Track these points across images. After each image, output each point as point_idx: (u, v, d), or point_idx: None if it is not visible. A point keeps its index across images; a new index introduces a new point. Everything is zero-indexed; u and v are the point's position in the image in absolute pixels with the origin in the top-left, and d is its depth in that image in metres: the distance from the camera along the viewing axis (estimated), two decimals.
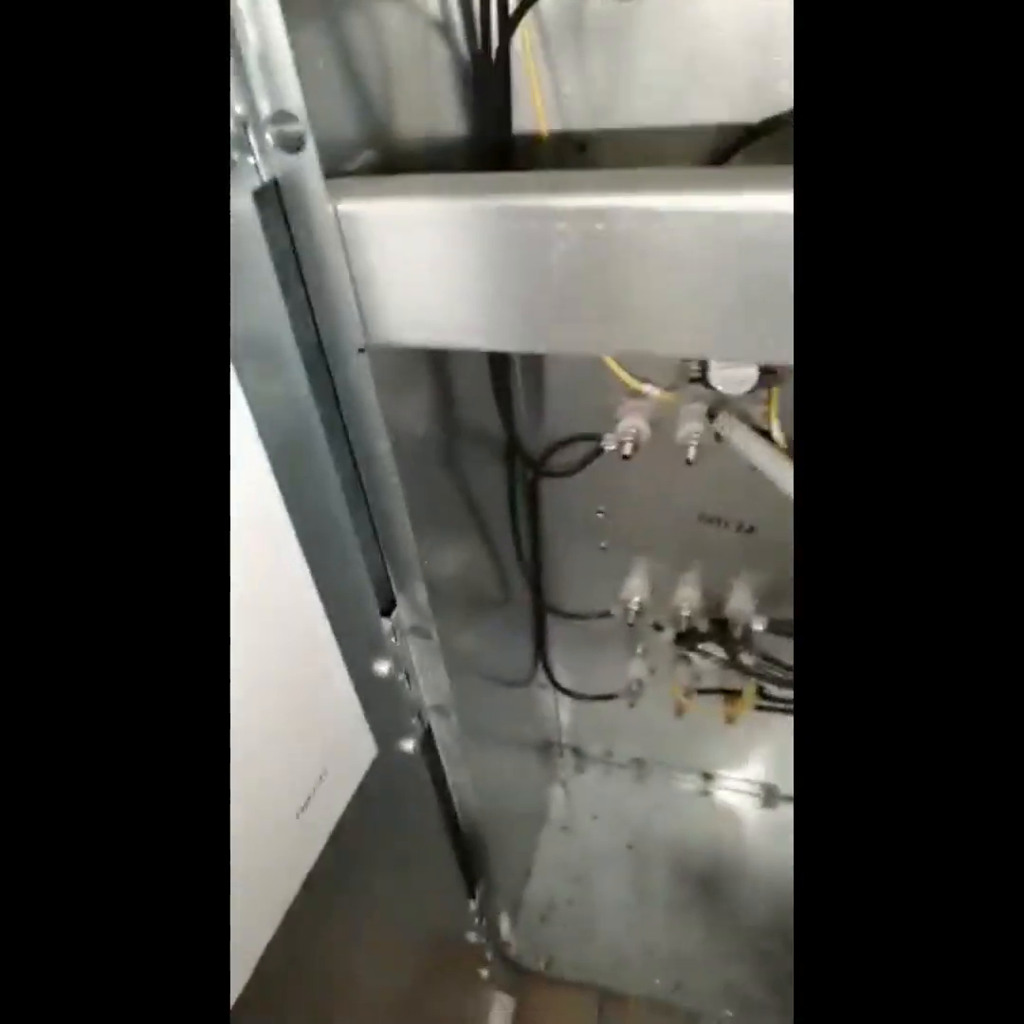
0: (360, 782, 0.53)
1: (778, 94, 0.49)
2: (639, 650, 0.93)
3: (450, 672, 0.59)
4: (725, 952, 0.92)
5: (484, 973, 0.89)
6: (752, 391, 0.60)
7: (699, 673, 0.92)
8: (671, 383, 0.64)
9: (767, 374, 0.61)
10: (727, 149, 0.51)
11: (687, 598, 0.82)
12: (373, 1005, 0.67)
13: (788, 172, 0.30)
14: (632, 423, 0.69)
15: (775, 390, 0.60)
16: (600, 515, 0.81)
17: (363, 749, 0.54)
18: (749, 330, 0.37)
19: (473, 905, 0.82)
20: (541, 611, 0.88)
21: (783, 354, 0.39)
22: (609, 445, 0.69)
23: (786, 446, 0.63)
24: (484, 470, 0.69)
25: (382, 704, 0.56)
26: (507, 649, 0.88)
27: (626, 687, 0.93)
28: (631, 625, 0.82)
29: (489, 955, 0.89)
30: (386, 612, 0.53)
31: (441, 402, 0.57)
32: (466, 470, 0.64)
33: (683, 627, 0.80)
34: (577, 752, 1.12)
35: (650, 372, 0.64)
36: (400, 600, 0.54)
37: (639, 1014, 0.89)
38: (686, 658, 0.87)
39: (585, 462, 0.71)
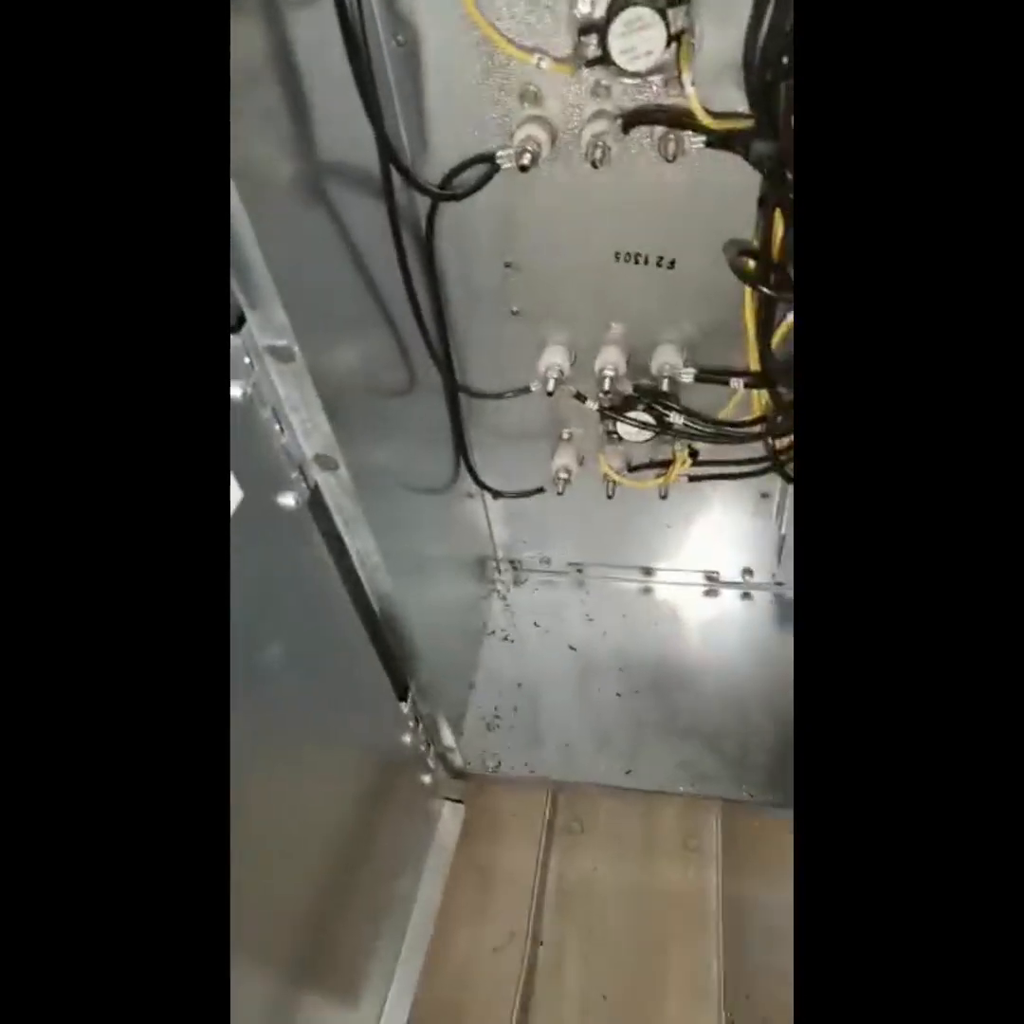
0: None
1: None
2: (565, 435, 0.86)
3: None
4: (677, 734, 0.90)
5: (426, 779, 0.85)
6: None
7: (629, 455, 0.86)
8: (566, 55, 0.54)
9: (676, 40, 0.52)
10: None
11: (611, 361, 0.74)
12: (313, 824, 0.62)
13: None
14: (529, 132, 0.60)
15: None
16: (508, 268, 0.71)
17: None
18: None
19: (405, 708, 0.77)
20: (455, 394, 0.80)
21: None
22: (505, 163, 0.60)
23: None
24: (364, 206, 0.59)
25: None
26: (427, 454, 0.81)
27: (553, 477, 0.86)
28: (550, 394, 0.75)
29: (430, 763, 0.85)
30: None
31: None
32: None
33: (607, 388, 0.73)
34: (514, 564, 1.06)
35: (540, 41, 0.54)
36: None
37: (591, 799, 0.88)
38: (614, 436, 0.80)
39: (483, 182, 0.61)
